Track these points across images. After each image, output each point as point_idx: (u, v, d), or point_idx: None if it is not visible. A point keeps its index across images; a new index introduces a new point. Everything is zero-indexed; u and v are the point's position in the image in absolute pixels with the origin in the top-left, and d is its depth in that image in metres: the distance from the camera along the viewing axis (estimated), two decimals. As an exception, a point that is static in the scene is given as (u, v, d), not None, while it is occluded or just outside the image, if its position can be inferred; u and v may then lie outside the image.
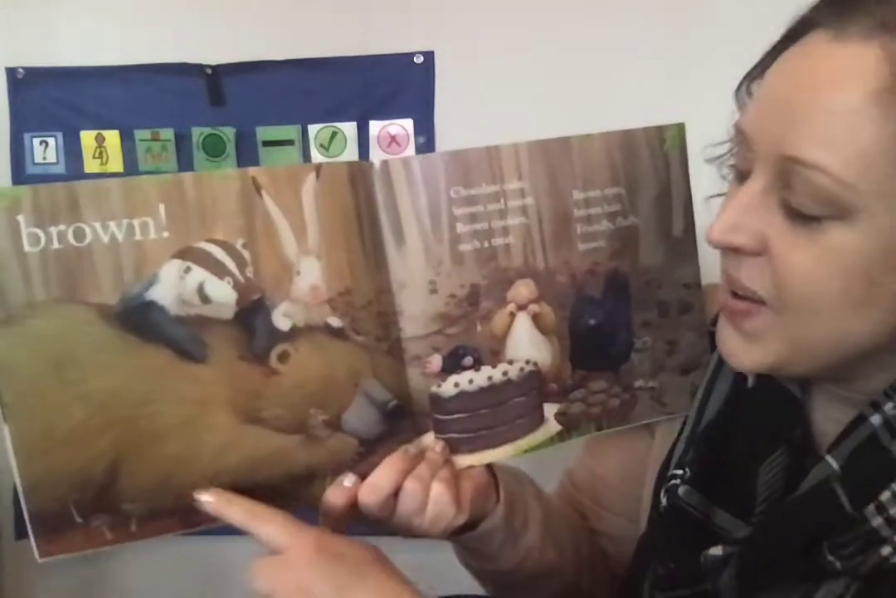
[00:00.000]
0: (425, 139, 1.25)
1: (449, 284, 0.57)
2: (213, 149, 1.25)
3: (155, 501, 0.51)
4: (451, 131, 1.24)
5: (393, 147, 1.25)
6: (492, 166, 0.57)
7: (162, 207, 0.48)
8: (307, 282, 0.53)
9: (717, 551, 0.53)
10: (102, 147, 1.27)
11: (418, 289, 0.56)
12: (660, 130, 0.60)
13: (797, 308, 0.46)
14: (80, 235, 0.47)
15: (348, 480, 0.55)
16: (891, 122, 0.41)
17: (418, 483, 0.55)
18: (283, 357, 0.53)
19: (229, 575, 1.34)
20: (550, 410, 0.62)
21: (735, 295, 0.50)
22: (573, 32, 1.20)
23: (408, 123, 1.25)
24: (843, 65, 0.42)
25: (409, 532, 0.57)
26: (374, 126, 1.25)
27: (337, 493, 0.54)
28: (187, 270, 0.50)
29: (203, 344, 0.51)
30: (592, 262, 0.60)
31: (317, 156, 1.26)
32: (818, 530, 0.48)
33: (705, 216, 0.60)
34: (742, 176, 0.49)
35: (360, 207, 0.54)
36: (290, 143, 1.25)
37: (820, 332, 0.47)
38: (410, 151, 1.25)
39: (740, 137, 0.49)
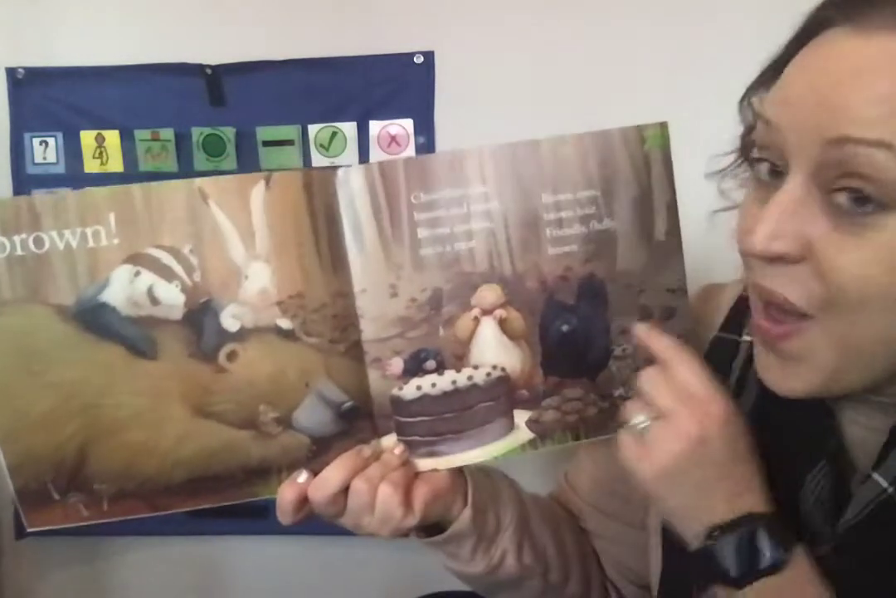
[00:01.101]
0: (425, 139, 1.24)
1: (410, 288, 0.58)
2: (213, 149, 1.25)
3: (122, 484, 0.56)
4: (451, 131, 1.24)
5: (393, 147, 1.25)
6: (454, 171, 0.56)
7: (112, 216, 0.53)
8: (256, 285, 0.56)
9: None
10: (102, 147, 1.27)
11: (378, 292, 0.57)
12: (639, 129, 0.58)
13: (848, 316, 0.44)
14: (39, 242, 0.53)
15: (301, 476, 0.57)
16: None
17: (365, 483, 0.56)
18: (231, 356, 0.56)
19: (229, 575, 1.34)
20: (522, 416, 0.61)
21: (769, 315, 0.48)
22: (573, 32, 1.19)
23: (408, 123, 1.25)
24: (873, 54, 0.42)
25: (360, 531, 0.59)
26: (374, 126, 1.25)
27: (288, 488, 0.57)
28: (137, 274, 0.54)
29: (154, 342, 0.55)
30: (565, 266, 0.59)
31: (317, 156, 1.26)
32: None
33: (689, 221, 0.60)
34: (765, 183, 0.47)
35: (315, 213, 0.56)
36: (290, 143, 1.25)
37: (874, 339, 0.44)
38: (410, 151, 1.25)
39: (769, 131, 0.46)
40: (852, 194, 0.42)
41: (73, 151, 1.28)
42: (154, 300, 0.55)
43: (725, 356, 0.59)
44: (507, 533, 0.67)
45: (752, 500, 0.50)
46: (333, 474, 0.56)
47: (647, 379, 0.53)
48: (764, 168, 0.48)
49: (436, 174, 0.57)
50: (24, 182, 1.30)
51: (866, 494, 0.49)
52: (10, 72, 1.28)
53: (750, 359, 0.56)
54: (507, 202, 0.57)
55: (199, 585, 1.35)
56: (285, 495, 0.57)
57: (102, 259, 0.53)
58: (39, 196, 0.53)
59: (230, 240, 0.55)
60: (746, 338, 0.59)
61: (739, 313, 0.61)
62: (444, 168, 0.56)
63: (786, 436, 0.53)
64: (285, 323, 0.56)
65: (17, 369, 0.53)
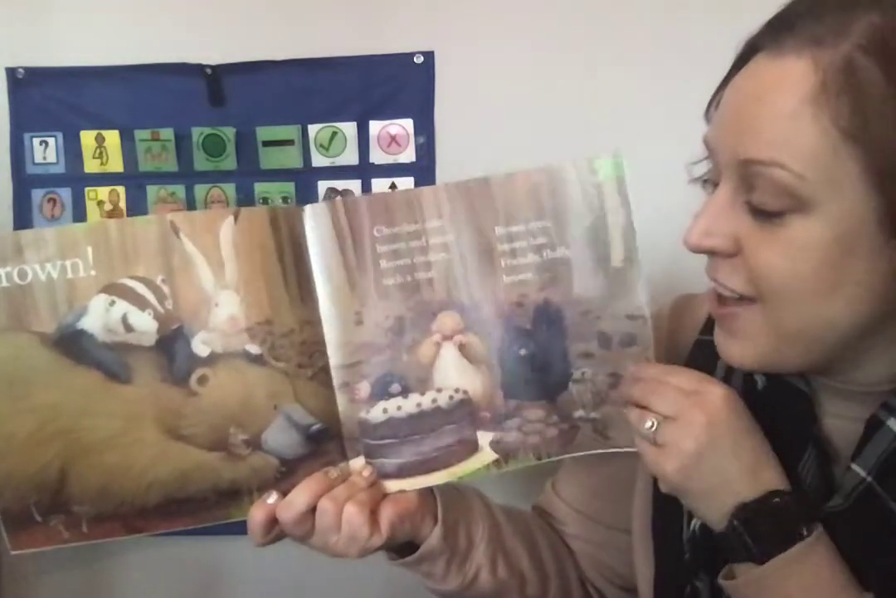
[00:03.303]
0: (425, 139, 1.24)
1: (375, 315, 0.61)
2: (213, 149, 1.25)
3: (100, 505, 0.58)
4: (451, 131, 1.23)
5: (393, 147, 1.25)
6: (412, 207, 0.60)
7: (90, 250, 0.57)
8: (225, 312, 0.59)
9: None
10: (102, 147, 1.27)
11: (344, 320, 0.61)
12: (589, 161, 0.61)
13: (775, 301, 0.50)
14: (23, 274, 0.57)
15: (271, 497, 0.59)
16: (825, 119, 0.46)
17: (332, 503, 0.58)
18: (202, 380, 0.59)
19: (229, 575, 1.34)
20: (485, 438, 0.63)
21: (720, 300, 0.54)
22: (573, 33, 1.19)
23: (408, 123, 1.25)
24: (781, 76, 0.47)
25: (328, 552, 0.60)
26: (374, 126, 1.25)
27: (258, 509, 0.58)
28: (112, 303, 0.58)
29: (128, 367, 0.58)
30: (520, 293, 0.61)
31: (317, 156, 1.26)
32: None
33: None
34: (714, 187, 0.53)
35: (282, 246, 0.60)
36: (290, 143, 1.25)
37: (801, 320, 0.50)
38: (410, 151, 1.25)
39: (708, 151, 0.53)
40: (763, 205, 0.49)
41: (73, 151, 1.28)
42: (128, 327, 0.58)
43: (708, 356, 0.61)
44: (480, 549, 0.67)
45: (770, 476, 0.53)
46: (301, 494, 0.58)
47: (641, 391, 0.56)
48: (709, 183, 0.55)
49: (396, 210, 0.61)
50: (24, 182, 1.30)
51: (849, 482, 0.52)
52: (10, 72, 1.28)
53: None
54: (462, 235, 0.61)
55: (199, 585, 1.35)
56: (255, 515, 0.58)
57: (80, 289, 0.57)
58: (23, 232, 0.58)
59: (200, 270, 0.58)
60: None
61: None
62: (403, 204, 0.60)
63: (772, 425, 0.56)
64: (254, 348, 0.59)
65: (0, 396, 0.56)
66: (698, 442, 0.52)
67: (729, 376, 0.60)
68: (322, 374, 0.60)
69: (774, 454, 0.54)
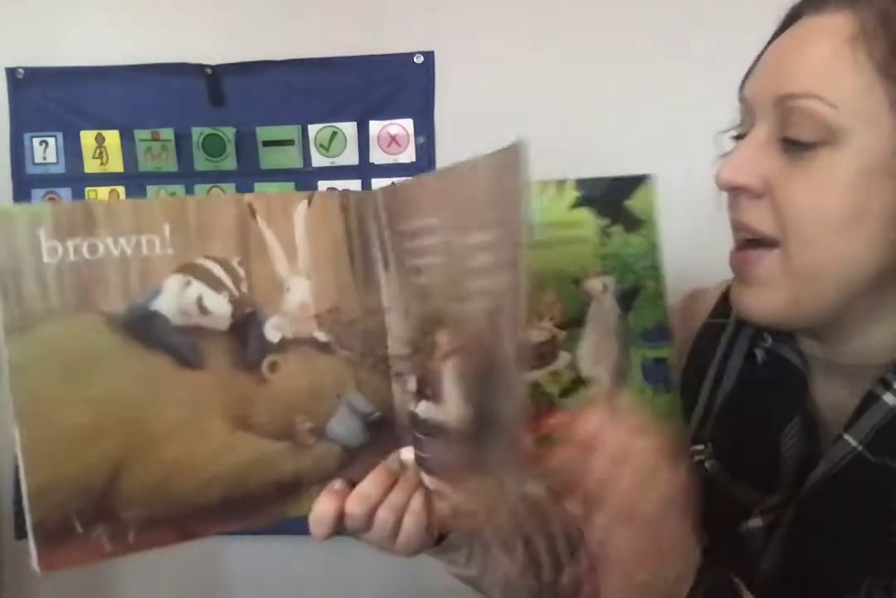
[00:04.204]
0: (425, 139, 1.25)
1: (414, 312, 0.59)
2: (213, 149, 1.25)
3: (152, 508, 0.53)
4: (451, 131, 1.24)
5: (393, 147, 1.26)
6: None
7: (167, 227, 0.54)
8: (296, 298, 0.57)
9: (756, 522, 0.55)
10: (102, 147, 1.28)
11: (399, 312, 0.59)
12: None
13: (798, 239, 0.51)
14: (93, 249, 0.52)
15: (337, 484, 0.57)
16: (861, 56, 0.49)
17: (391, 514, 0.57)
18: (272, 367, 0.56)
19: (229, 575, 1.34)
20: None
21: (740, 246, 0.55)
22: (573, 32, 1.19)
23: (408, 123, 1.25)
24: (821, 26, 0.51)
25: (380, 549, 0.59)
26: (374, 126, 1.25)
27: (329, 498, 0.56)
28: (188, 283, 0.54)
29: (200, 352, 0.55)
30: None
31: (317, 156, 1.26)
32: (884, 507, 0.51)
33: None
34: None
35: (350, 233, 0.58)
36: (290, 143, 1.25)
37: (821, 259, 0.51)
38: (410, 150, 1.25)
39: (743, 106, 0.55)
40: (797, 137, 0.51)
41: (73, 151, 1.28)
42: (203, 310, 0.55)
43: (714, 335, 0.63)
44: (501, 539, 0.68)
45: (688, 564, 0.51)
46: (373, 487, 0.57)
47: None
48: (741, 133, 0.57)
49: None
50: (24, 182, 1.30)
51: (836, 451, 0.54)
52: (10, 72, 1.28)
53: (736, 333, 0.63)
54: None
55: (199, 585, 1.35)
56: (326, 506, 0.56)
57: (155, 268, 0.53)
58: (95, 202, 0.54)
59: (275, 253, 0.56)
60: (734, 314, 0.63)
61: (727, 300, 0.64)
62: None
63: (764, 397, 0.58)
64: (322, 336, 0.58)
65: (56, 383, 0.51)
66: (636, 553, 0.50)
67: (729, 352, 0.62)
68: (381, 363, 0.59)
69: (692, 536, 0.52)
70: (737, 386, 0.61)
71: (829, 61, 0.50)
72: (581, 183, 0.60)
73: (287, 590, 1.34)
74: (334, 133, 1.26)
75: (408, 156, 1.25)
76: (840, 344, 0.56)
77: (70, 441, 0.50)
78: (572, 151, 1.16)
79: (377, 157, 1.26)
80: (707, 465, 0.59)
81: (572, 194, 0.60)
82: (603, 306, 0.62)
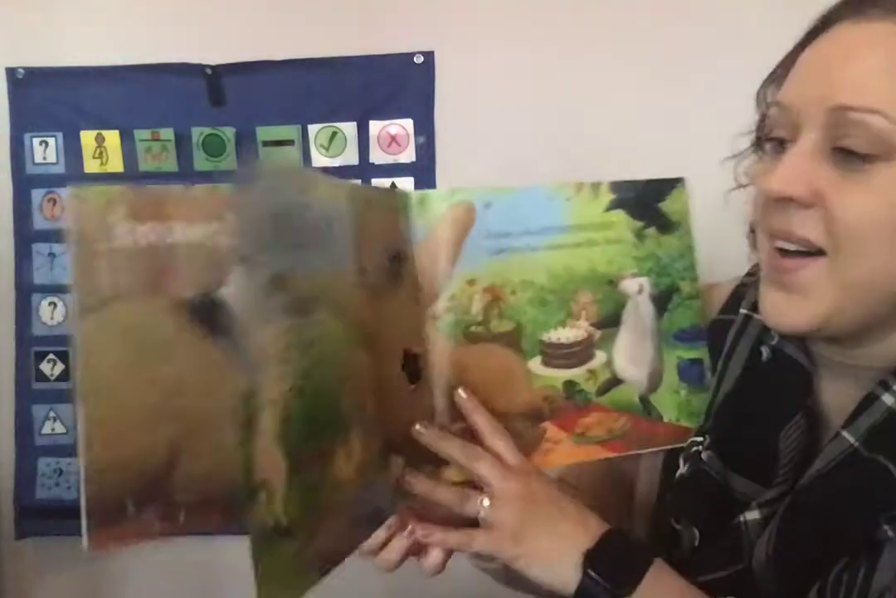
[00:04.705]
0: (425, 139, 1.24)
1: None
2: (213, 149, 1.25)
3: (205, 491, 0.53)
4: (451, 131, 1.24)
5: (393, 147, 1.26)
6: None
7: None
8: None
9: (753, 514, 0.56)
10: (102, 147, 1.27)
11: None
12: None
13: (848, 251, 0.51)
14: (166, 233, 0.52)
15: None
16: None
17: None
18: None
19: (229, 575, 1.34)
20: None
21: (783, 254, 0.54)
22: (573, 32, 1.19)
23: (408, 123, 1.25)
24: (870, 36, 0.51)
25: None
26: (374, 126, 1.25)
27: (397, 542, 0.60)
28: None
29: None
30: None
31: (317, 156, 1.26)
32: (872, 501, 0.52)
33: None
34: (782, 146, 0.54)
35: None
36: (290, 143, 1.25)
37: (869, 272, 0.51)
38: (410, 150, 1.25)
39: (780, 111, 0.54)
40: (851, 150, 0.50)
41: (73, 151, 1.28)
42: None
43: (722, 332, 0.63)
44: None
45: (597, 522, 0.56)
46: (393, 553, 0.60)
47: (480, 463, 0.57)
48: (775, 144, 0.55)
49: None
50: (24, 182, 1.30)
51: (834, 448, 0.54)
52: (10, 72, 1.28)
53: (742, 329, 0.62)
54: None
55: (199, 585, 1.35)
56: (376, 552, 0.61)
57: (225, 257, 0.53)
58: (171, 187, 0.53)
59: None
60: (743, 311, 0.63)
61: (737, 297, 0.65)
62: None
63: (767, 393, 0.58)
64: None
65: (124, 362, 0.51)
66: (523, 516, 0.55)
67: (734, 348, 0.62)
68: None
69: (579, 503, 0.57)
70: (740, 381, 0.61)
71: (887, 75, 0.49)
72: (615, 185, 0.60)
73: (287, 590, 1.34)
74: (334, 133, 1.26)
75: (408, 156, 1.25)
76: (856, 348, 0.56)
77: (132, 423, 0.50)
78: (572, 152, 1.16)
79: (377, 157, 1.26)
80: (704, 456, 0.60)
81: (607, 197, 0.60)
82: (638, 306, 0.62)
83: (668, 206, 0.62)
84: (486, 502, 0.55)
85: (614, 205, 0.60)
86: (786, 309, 0.54)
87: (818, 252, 0.52)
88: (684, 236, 0.62)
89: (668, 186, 0.62)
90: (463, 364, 0.59)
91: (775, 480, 0.56)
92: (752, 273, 0.63)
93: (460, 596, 1.08)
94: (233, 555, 1.33)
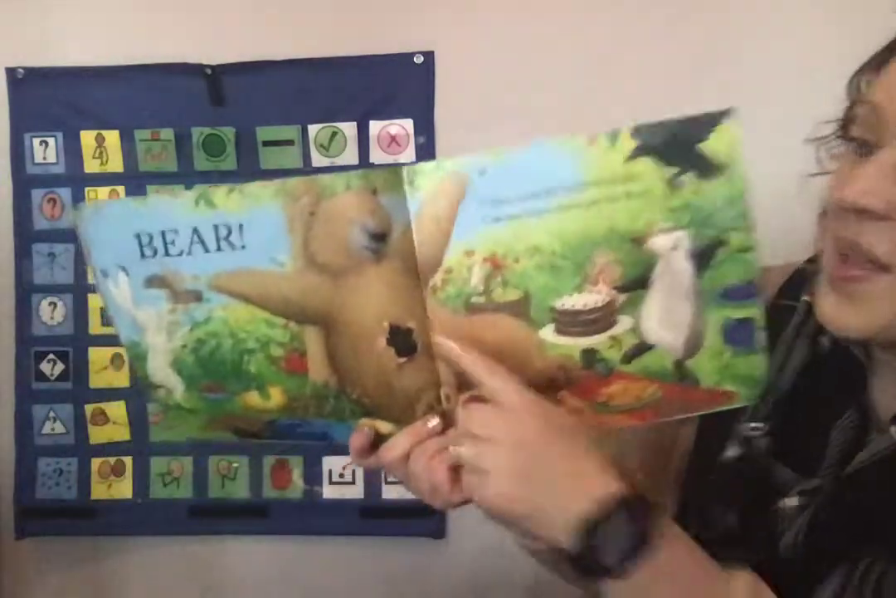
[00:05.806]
0: (425, 139, 1.25)
1: None
2: (213, 149, 1.25)
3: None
4: (451, 131, 1.24)
5: (393, 147, 1.26)
6: None
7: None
8: None
9: (793, 501, 0.56)
10: (102, 147, 1.28)
11: None
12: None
13: None
14: None
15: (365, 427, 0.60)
16: None
17: (421, 455, 0.58)
18: None
19: (229, 575, 1.34)
20: None
21: (846, 260, 0.52)
22: (572, 32, 1.19)
23: (408, 123, 1.25)
24: None
25: (420, 497, 0.60)
26: (374, 126, 1.25)
27: (357, 436, 0.60)
28: None
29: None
30: None
31: (317, 156, 1.26)
32: None
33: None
34: (865, 149, 0.52)
35: None
36: (290, 143, 1.25)
37: None
38: (410, 151, 1.25)
39: (869, 110, 0.52)
40: None
41: (73, 151, 1.28)
42: None
43: (783, 316, 0.62)
44: None
45: (599, 482, 0.51)
46: (401, 440, 0.58)
47: (466, 409, 0.54)
48: (859, 143, 0.53)
49: None
50: (24, 182, 1.30)
51: (879, 443, 0.54)
52: (10, 72, 1.28)
53: (805, 320, 0.61)
54: None
55: (199, 585, 1.35)
56: (357, 439, 0.61)
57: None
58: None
59: None
60: (805, 298, 0.62)
61: (795, 283, 0.65)
62: None
63: (826, 387, 0.59)
64: None
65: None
66: (516, 468, 0.51)
67: (796, 338, 0.62)
68: None
69: (597, 452, 0.53)
70: (801, 372, 0.61)
71: None
72: (638, 130, 0.53)
73: (287, 590, 1.34)
74: (334, 133, 1.26)
75: (408, 156, 1.25)
76: None
77: None
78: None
79: (377, 157, 1.26)
80: (761, 443, 0.60)
81: (629, 145, 0.53)
82: (671, 265, 0.55)
83: (712, 145, 0.53)
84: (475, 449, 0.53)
85: (638, 152, 0.53)
86: (841, 314, 0.54)
87: (884, 268, 0.51)
88: (734, 180, 0.54)
89: (710, 122, 0.53)
90: (466, 335, 0.56)
91: (819, 473, 0.56)
92: (813, 260, 0.61)
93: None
94: (233, 555, 1.33)
